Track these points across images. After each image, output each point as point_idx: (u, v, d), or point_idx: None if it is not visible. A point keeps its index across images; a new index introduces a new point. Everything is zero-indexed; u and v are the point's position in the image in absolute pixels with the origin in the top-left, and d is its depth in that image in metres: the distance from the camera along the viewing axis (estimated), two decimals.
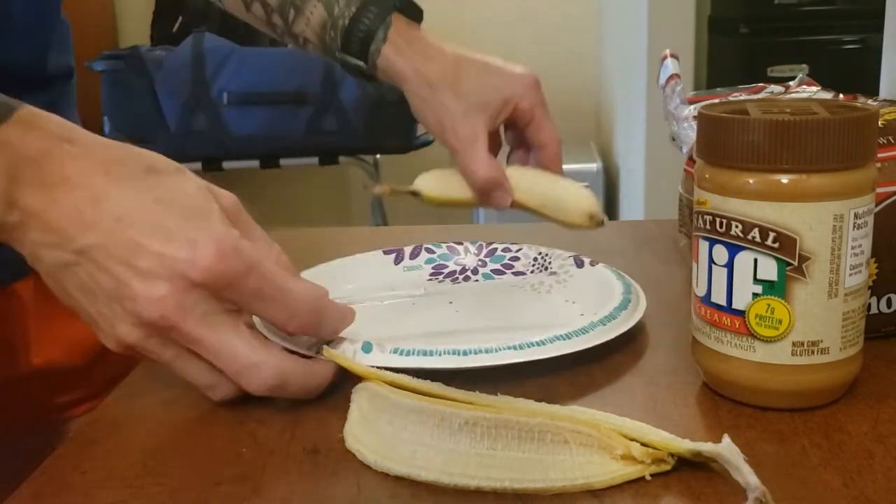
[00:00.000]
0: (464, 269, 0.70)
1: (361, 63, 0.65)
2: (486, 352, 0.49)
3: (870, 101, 0.59)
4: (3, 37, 0.64)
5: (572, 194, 0.64)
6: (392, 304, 0.64)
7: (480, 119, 0.63)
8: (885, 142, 0.53)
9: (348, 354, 0.49)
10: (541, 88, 0.65)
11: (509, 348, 0.49)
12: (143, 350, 0.44)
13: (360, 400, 0.46)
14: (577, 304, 0.62)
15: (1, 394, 0.68)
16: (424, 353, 0.49)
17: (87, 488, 0.41)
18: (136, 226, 0.43)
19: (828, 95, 0.67)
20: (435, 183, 0.68)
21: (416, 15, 0.66)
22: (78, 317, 0.46)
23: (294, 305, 0.46)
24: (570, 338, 0.51)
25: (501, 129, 0.68)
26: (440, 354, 0.49)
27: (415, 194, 0.68)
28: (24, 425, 0.71)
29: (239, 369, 0.45)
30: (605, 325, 0.53)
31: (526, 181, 0.66)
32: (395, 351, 0.49)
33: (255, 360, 0.45)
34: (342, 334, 0.50)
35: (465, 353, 0.49)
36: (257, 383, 0.45)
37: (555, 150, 0.66)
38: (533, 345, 0.50)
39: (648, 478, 0.39)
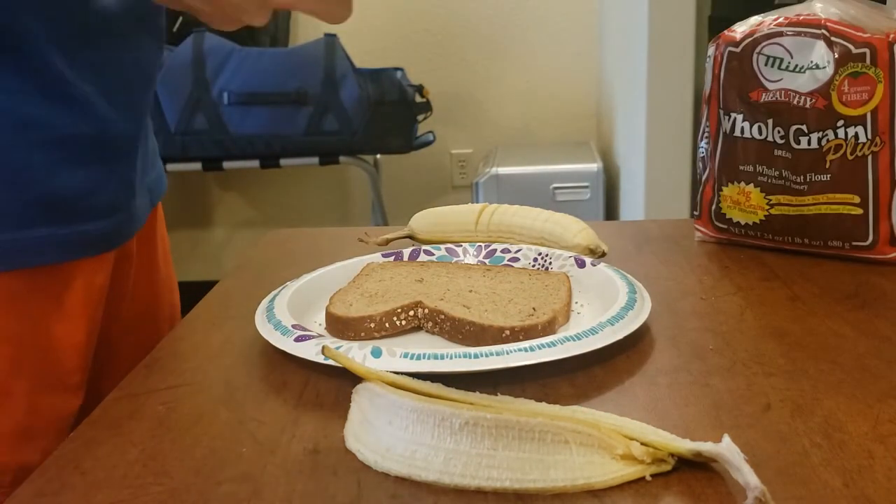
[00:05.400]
0: None
1: None
2: (497, 354, 0.49)
3: None
4: None
5: (567, 229, 0.71)
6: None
7: None
8: None
9: (358, 359, 0.49)
10: None
11: (520, 350, 0.49)
12: None
13: (360, 400, 0.45)
14: (580, 304, 0.62)
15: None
16: (436, 357, 0.49)
17: (87, 488, 0.41)
18: None
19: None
20: (429, 227, 0.77)
21: None
22: None
23: None
24: (579, 338, 0.51)
25: None
26: (451, 358, 0.49)
27: (410, 237, 0.79)
28: None
29: None
30: (613, 325, 0.53)
31: (519, 220, 0.73)
32: (406, 355, 0.49)
33: None
34: (349, 341, 0.49)
35: (476, 357, 0.49)
36: None
37: None
38: (543, 346, 0.50)
39: (649, 478, 0.39)
